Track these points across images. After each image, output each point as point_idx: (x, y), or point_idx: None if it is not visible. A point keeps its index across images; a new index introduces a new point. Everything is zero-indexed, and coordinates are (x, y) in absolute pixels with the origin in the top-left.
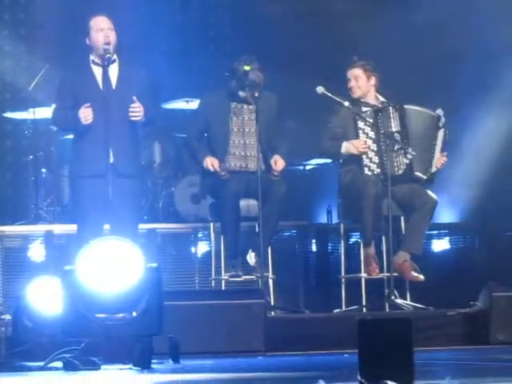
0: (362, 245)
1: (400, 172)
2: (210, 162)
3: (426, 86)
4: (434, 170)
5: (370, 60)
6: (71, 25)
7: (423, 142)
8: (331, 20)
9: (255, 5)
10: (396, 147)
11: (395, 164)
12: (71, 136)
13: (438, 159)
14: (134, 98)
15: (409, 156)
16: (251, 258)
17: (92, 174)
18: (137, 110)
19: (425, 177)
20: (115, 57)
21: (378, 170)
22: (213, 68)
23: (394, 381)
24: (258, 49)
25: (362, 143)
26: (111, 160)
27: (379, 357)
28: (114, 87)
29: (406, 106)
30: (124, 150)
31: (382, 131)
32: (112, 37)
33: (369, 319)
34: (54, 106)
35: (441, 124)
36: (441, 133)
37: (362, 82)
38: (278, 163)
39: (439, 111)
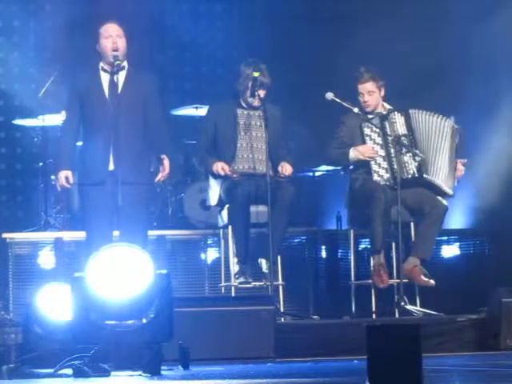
0: (372, 253)
1: (409, 175)
2: (221, 167)
3: (435, 97)
4: (456, 183)
5: (373, 67)
6: (80, 31)
7: (433, 146)
8: (341, 25)
9: (263, 9)
10: (404, 150)
11: (404, 167)
12: (80, 143)
13: (457, 169)
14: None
15: (417, 158)
16: (263, 263)
17: (95, 181)
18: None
19: (451, 192)
20: (125, 63)
21: (388, 175)
22: (221, 74)
23: None
24: (267, 55)
25: (369, 148)
26: (111, 168)
27: (388, 363)
28: (119, 93)
29: (411, 111)
30: (127, 157)
31: (389, 136)
32: (121, 43)
33: (377, 325)
34: (64, 113)
35: (456, 132)
36: (456, 141)
37: (375, 96)
38: (285, 168)
39: (452, 119)
